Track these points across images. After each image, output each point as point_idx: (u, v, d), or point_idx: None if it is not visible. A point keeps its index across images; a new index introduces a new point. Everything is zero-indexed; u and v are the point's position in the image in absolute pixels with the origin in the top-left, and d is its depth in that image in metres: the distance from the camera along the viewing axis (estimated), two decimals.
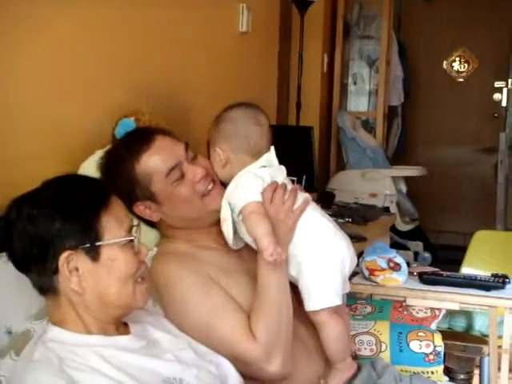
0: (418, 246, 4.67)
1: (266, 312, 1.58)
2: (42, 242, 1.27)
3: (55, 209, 1.28)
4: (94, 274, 1.29)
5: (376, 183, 4.24)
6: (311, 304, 1.61)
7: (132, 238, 1.34)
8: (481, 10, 5.44)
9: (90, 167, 1.99)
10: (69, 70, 2.11)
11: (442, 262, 4.43)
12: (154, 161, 1.68)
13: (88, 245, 1.28)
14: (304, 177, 3.00)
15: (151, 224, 1.78)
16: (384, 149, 4.67)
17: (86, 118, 2.19)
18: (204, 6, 2.98)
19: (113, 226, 1.31)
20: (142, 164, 1.68)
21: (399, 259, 2.32)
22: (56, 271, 1.27)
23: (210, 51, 3.06)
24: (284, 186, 1.66)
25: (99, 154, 2.03)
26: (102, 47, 2.26)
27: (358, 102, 4.88)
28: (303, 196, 1.69)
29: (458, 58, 5.61)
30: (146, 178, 1.68)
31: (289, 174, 3.27)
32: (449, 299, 2.16)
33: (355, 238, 2.67)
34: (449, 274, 2.29)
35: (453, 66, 5.63)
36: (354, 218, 3.05)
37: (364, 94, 4.88)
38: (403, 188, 4.56)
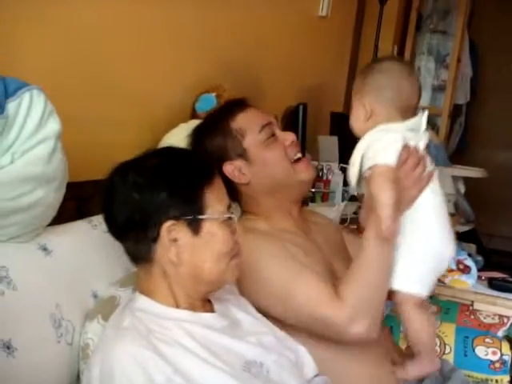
0: (471, 248, 4.58)
1: (360, 273, 1.53)
2: (146, 211, 1.26)
3: (161, 179, 1.28)
4: (193, 247, 1.28)
5: None
6: (393, 281, 1.53)
7: (233, 215, 1.34)
8: None
9: (173, 138, 2.00)
10: (156, 45, 2.14)
11: (493, 266, 4.35)
12: (248, 118, 1.71)
13: (191, 217, 1.28)
14: None
15: (235, 197, 1.76)
16: (445, 147, 4.59)
17: (169, 91, 2.22)
18: None
19: (214, 202, 1.31)
20: (237, 120, 1.70)
21: (469, 262, 2.29)
22: (156, 240, 1.27)
23: (288, 32, 3.04)
24: (417, 152, 1.56)
25: (183, 126, 2.05)
26: (187, 25, 2.28)
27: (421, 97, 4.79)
28: (429, 168, 1.59)
29: None
30: (240, 133, 1.69)
31: None
32: None
33: None
34: None
35: None
36: None
37: (427, 89, 4.78)
38: (462, 188, 4.48)
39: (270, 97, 2.88)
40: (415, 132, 1.57)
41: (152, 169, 1.30)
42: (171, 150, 1.38)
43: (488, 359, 1.98)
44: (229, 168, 1.69)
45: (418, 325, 1.55)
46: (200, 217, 1.28)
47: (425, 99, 4.76)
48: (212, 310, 1.37)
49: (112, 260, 1.48)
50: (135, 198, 1.26)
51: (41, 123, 1.27)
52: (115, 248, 1.36)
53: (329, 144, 3.18)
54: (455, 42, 4.53)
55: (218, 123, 1.72)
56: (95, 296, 1.43)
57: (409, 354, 1.63)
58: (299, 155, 1.74)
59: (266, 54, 2.87)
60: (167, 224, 1.26)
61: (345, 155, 3.10)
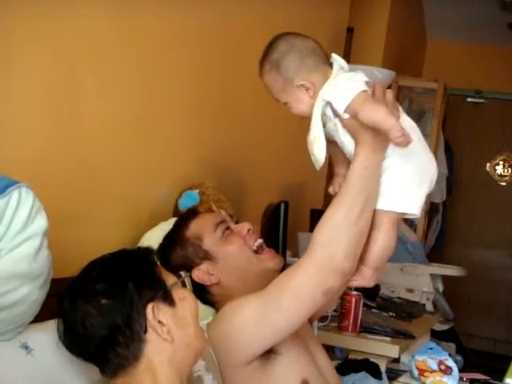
0: (450, 347, 4.56)
1: (336, 205, 1.52)
2: (125, 308, 1.27)
3: (119, 275, 1.31)
4: (176, 319, 1.31)
5: (414, 279, 4.17)
6: (383, 202, 1.51)
7: (189, 274, 1.42)
8: None
9: (153, 236, 2.01)
10: (140, 144, 2.17)
11: (472, 366, 4.32)
12: (200, 222, 1.77)
13: (162, 291, 1.31)
14: None
15: (207, 301, 1.77)
16: (423, 245, 4.64)
17: (153, 188, 2.25)
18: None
19: (166, 273, 1.37)
20: (190, 228, 1.75)
21: (450, 362, 2.27)
22: (146, 329, 1.28)
23: (271, 131, 3.12)
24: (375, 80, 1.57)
25: (163, 225, 2.06)
26: (170, 123, 2.33)
27: None
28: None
29: (501, 162, 5.62)
30: (197, 238, 1.73)
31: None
32: None
33: (403, 335, 2.63)
34: None
35: (496, 170, 5.64)
36: (398, 313, 3.00)
37: None
38: (440, 287, 4.49)
39: (252, 194, 2.92)
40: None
41: (104, 272, 1.32)
42: (106, 255, 1.39)
43: None
44: (197, 274, 1.72)
45: (389, 240, 1.53)
46: (168, 288, 1.32)
47: None
48: None
49: None
50: (106, 304, 1.27)
51: (28, 220, 1.28)
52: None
53: (308, 240, 3.20)
54: (431, 143, 4.66)
55: (174, 237, 1.77)
56: None
57: None
58: (260, 241, 1.77)
59: (250, 152, 2.93)
60: (150, 306, 1.28)
61: None
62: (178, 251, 1.74)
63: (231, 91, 2.72)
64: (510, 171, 5.61)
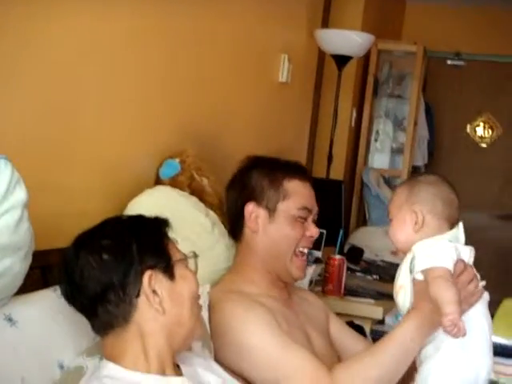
0: None
1: (368, 358, 1.52)
2: (123, 267, 1.28)
3: (127, 236, 1.31)
4: (171, 294, 1.31)
5: None
6: None
7: (197, 255, 1.39)
8: (508, 78, 5.47)
9: (141, 204, 2.02)
10: (121, 112, 2.16)
11: None
12: (300, 190, 1.78)
13: (164, 263, 1.31)
14: (324, 232, 2.94)
15: (238, 237, 1.83)
16: None
17: (133, 157, 2.23)
18: (249, 55, 3.03)
19: (174, 248, 1.37)
20: (290, 183, 1.77)
21: None
22: (138, 294, 1.28)
23: (251, 98, 3.11)
24: (471, 268, 1.56)
25: (150, 191, 2.07)
26: (150, 91, 2.32)
27: (380, 160, 4.87)
28: (481, 285, 1.58)
29: (482, 124, 5.63)
30: (284, 194, 1.75)
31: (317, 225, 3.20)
32: None
33: (387, 297, 2.65)
34: None
35: (476, 131, 5.65)
36: (382, 276, 3.03)
37: (386, 152, 4.88)
38: None
39: (233, 161, 2.91)
40: (456, 243, 1.55)
41: (113, 230, 1.33)
42: (123, 216, 1.45)
43: None
44: (251, 208, 1.76)
45: None
46: (172, 262, 1.32)
47: (384, 162, 4.85)
48: (180, 374, 1.37)
49: (78, 329, 1.45)
50: (107, 260, 1.28)
51: (7, 193, 1.27)
52: (81, 316, 1.35)
53: None
54: (411, 106, 4.67)
55: (275, 172, 1.78)
56: (61, 367, 1.39)
57: None
58: (306, 251, 1.80)
59: (229, 119, 2.92)
60: (148, 273, 1.28)
61: None
62: (264, 181, 1.77)
63: (210, 57, 2.70)
64: (490, 133, 5.62)
